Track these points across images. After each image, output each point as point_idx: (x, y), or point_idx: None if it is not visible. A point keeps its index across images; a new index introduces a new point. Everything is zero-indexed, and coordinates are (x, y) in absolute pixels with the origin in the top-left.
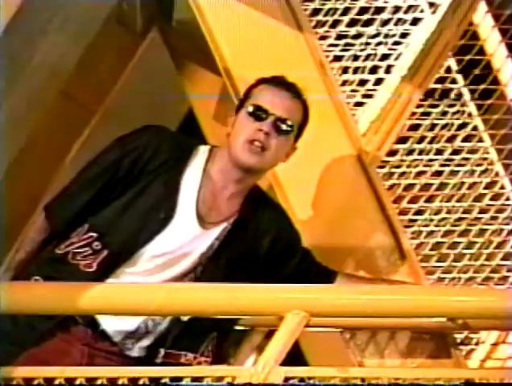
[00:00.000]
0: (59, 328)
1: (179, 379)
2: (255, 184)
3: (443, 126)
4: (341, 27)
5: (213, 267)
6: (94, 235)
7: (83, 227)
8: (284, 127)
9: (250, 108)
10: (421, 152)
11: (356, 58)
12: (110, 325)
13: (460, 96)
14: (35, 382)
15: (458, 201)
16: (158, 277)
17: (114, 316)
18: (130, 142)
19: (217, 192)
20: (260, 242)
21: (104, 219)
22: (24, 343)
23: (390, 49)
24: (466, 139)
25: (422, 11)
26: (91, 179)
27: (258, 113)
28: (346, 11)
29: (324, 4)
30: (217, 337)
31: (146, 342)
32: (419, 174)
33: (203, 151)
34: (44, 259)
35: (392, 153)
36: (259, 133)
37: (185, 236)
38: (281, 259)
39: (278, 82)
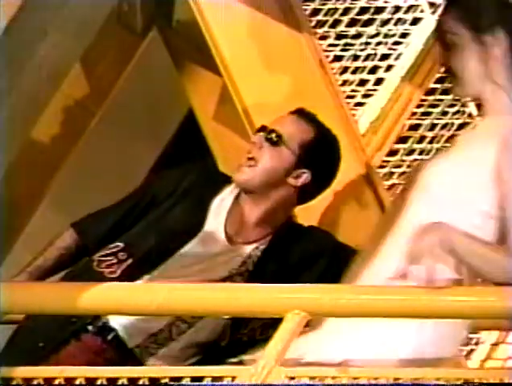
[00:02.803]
0: (74, 337)
1: (179, 379)
2: (292, 220)
3: (444, 126)
4: (341, 27)
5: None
6: (121, 245)
7: (118, 246)
8: (273, 137)
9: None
10: (421, 152)
11: (356, 58)
12: (125, 326)
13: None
14: (35, 382)
15: None
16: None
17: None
18: (170, 173)
19: (244, 219)
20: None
21: (132, 233)
22: (41, 355)
23: (390, 49)
24: None
25: (422, 11)
26: (122, 200)
27: (258, 130)
28: (346, 11)
29: (324, 4)
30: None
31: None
32: None
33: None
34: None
35: (392, 153)
36: (253, 146)
37: (212, 248)
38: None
39: (294, 111)
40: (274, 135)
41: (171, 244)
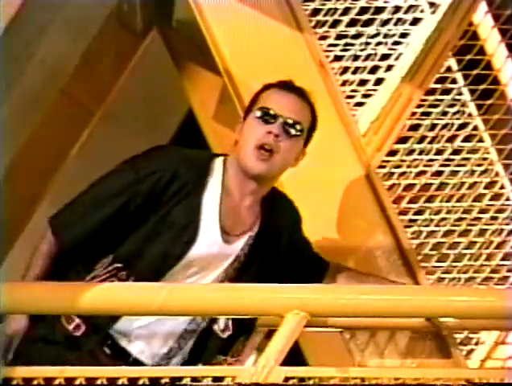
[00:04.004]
0: (89, 358)
1: (179, 379)
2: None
3: (444, 126)
4: (341, 27)
5: (245, 278)
6: (119, 265)
7: (107, 259)
8: (293, 130)
9: (258, 113)
10: (421, 152)
11: (356, 58)
12: (142, 352)
13: (460, 95)
14: (35, 382)
15: (458, 201)
16: None
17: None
18: (145, 167)
19: (238, 204)
20: (282, 241)
21: (128, 250)
22: None
23: (390, 49)
24: (466, 139)
25: (422, 11)
26: (106, 199)
27: (267, 117)
28: (346, 11)
29: (324, 4)
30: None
31: (177, 360)
32: (419, 174)
33: (218, 166)
34: None
35: (392, 153)
36: (269, 135)
37: (210, 254)
38: (295, 253)
39: (286, 86)
40: (296, 127)
41: (168, 260)
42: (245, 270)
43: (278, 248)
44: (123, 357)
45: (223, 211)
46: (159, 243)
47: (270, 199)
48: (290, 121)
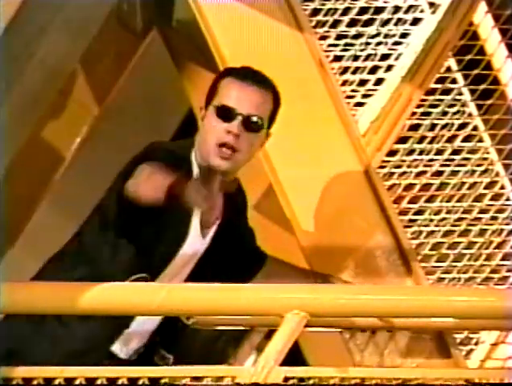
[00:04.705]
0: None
1: (179, 379)
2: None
3: (444, 126)
4: (341, 27)
5: (207, 267)
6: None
7: None
8: (253, 125)
9: (217, 110)
10: (421, 152)
11: (356, 58)
12: (121, 350)
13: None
14: (35, 382)
15: (458, 201)
16: None
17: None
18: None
19: (214, 198)
20: (234, 224)
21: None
22: None
23: (390, 49)
24: (466, 139)
25: (422, 11)
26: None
27: (225, 114)
28: (346, 11)
29: (324, 4)
30: None
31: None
32: (419, 174)
33: (194, 159)
34: None
35: (392, 153)
36: (228, 135)
37: (193, 251)
38: (240, 240)
39: (244, 75)
40: (255, 123)
41: (163, 258)
42: (207, 260)
43: (233, 232)
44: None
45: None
46: (156, 254)
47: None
48: (250, 118)
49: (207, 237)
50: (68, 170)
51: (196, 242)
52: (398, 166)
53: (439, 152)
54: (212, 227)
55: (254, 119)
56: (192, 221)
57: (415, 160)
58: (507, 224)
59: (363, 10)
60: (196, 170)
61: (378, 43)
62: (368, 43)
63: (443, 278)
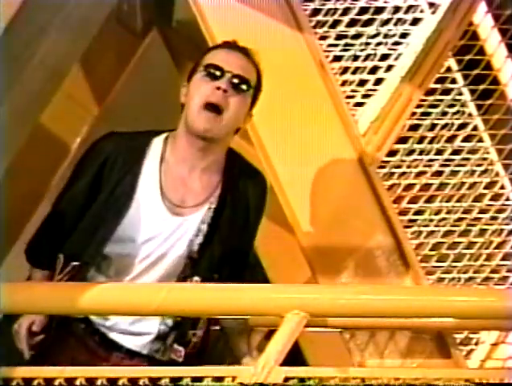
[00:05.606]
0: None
1: (179, 379)
2: (232, 152)
3: (443, 126)
4: (341, 27)
5: (208, 253)
6: (75, 264)
7: (59, 260)
8: (242, 85)
9: (205, 70)
10: (421, 152)
11: (356, 58)
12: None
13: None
14: (35, 382)
15: (458, 201)
16: (155, 273)
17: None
18: (89, 166)
19: (186, 175)
20: (249, 213)
21: (76, 245)
22: None
23: (390, 49)
24: (466, 139)
25: (422, 11)
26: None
27: (214, 72)
28: (346, 11)
29: (324, 4)
30: None
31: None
32: (419, 174)
33: (157, 142)
34: None
35: (392, 153)
36: (217, 91)
37: (157, 227)
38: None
39: (231, 45)
40: (243, 83)
41: (111, 237)
42: (207, 244)
43: (247, 221)
44: (112, 346)
45: (165, 184)
46: (101, 224)
47: (235, 169)
48: (238, 77)
49: (190, 217)
50: (68, 170)
51: (157, 221)
52: (398, 166)
53: (439, 152)
54: (200, 208)
55: (243, 78)
56: (136, 200)
57: (415, 160)
58: (507, 224)
59: (363, 10)
60: (154, 155)
61: (378, 43)
62: (368, 43)
63: (443, 278)
